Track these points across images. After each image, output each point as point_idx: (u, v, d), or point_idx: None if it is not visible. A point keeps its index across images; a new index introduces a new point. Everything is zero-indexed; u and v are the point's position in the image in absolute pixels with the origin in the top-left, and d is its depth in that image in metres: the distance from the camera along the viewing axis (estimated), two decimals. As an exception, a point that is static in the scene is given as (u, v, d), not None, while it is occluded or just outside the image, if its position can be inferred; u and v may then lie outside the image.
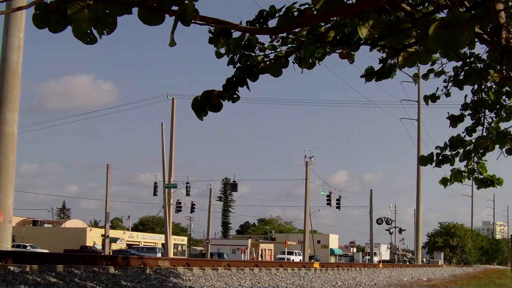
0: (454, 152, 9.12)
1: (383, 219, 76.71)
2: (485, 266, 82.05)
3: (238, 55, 6.26)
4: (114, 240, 71.02)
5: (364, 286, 19.77)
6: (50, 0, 3.72)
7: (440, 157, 9.09)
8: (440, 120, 9.59)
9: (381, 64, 6.65)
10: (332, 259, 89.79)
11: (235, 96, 6.17)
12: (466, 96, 9.13)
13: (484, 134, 8.85)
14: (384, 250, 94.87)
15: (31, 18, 3.77)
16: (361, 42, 5.91)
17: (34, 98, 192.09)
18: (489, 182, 9.08)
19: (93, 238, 73.40)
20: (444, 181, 9.58)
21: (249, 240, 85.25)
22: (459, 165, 9.33)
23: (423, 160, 9.18)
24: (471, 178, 9.39)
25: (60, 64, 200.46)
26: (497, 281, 28.39)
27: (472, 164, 9.20)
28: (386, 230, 79.45)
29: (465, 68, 8.07)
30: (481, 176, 9.18)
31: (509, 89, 8.85)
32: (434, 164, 9.09)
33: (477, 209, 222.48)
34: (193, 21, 4.06)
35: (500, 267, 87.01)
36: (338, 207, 59.41)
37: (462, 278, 32.79)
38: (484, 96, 8.77)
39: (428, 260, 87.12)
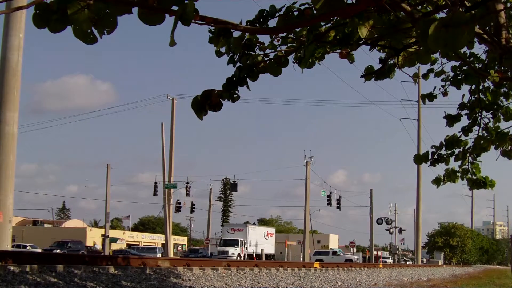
0: (449, 152, 9.12)
1: (383, 219, 76.72)
2: (485, 266, 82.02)
3: (238, 55, 6.26)
4: (114, 240, 71.08)
5: (364, 286, 19.76)
6: (50, 0, 3.72)
7: (436, 156, 9.09)
8: (441, 120, 9.58)
9: (381, 64, 6.65)
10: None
11: (235, 95, 6.18)
12: (463, 95, 9.14)
13: (481, 134, 8.85)
14: (260, 238, 59.36)
15: (31, 18, 3.77)
16: (361, 42, 5.91)
17: (32, 98, 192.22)
18: (481, 183, 9.07)
19: (93, 238, 73.48)
20: (437, 181, 9.57)
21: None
22: (454, 165, 9.33)
23: (418, 159, 9.19)
24: (464, 178, 9.38)
25: (58, 65, 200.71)
26: (497, 281, 28.37)
27: (467, 164, 9.20)
28: (386, 230, 79.51)
29: (464, 68, 8.08)
30: (474, 177, 9.17)
31: (507, 90, 8.85)
32: (429, 163, 9.09)
33: (476, 209, 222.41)
34: (193, 21, 4.06)
35: (500, 267, 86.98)
36: (338, 207, 59.46)
37: (462, 278, 32.76)
38: (481, 96, 8.77)
39: (428, 260, 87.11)
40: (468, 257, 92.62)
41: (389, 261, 71.99)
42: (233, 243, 53.96)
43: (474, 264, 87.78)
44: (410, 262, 72.71)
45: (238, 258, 49.49)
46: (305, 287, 16.52)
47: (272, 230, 65.74)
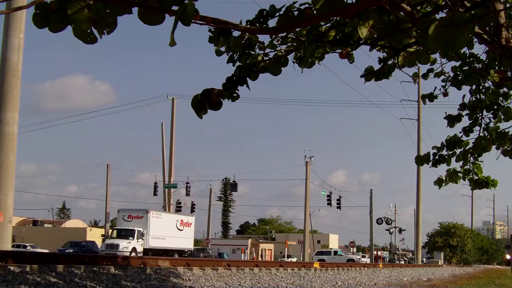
0: (450, 152, 9.11)
1: (383, 219, 76.73)
2: (485, 266, 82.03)
3: (238, 54, 6.26)
4: (114, 240, 70.95)
5: (364, 286, 19.76)
6: (50, 0, 3.72)
7: (437, 157, 9.08)
8: (441, 120, 9.59)
9: (381, 64, 6.65)
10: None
11: (235, 94, 6.17)
12: (464, 96, 9.14)
13: (482, 134, 8.84)
14: (169, 228, 45.57)
15: (31, 18, 3.77)
16: (361, 42, 5.91)
17: (31, 98, 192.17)
18: (484, 183, 9.05)
19: (93, 238, 73.42)
20: (439, 182, 9.55)
21: (249, 240, 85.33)
22: (455, 165, 9.32)
23: (420, 160, 9.18)
24: (466, 178, 9.36)
25: (58, 65, 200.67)
26: (497, 281, 28.37)
27: (468, 164, 9.19)
28: (386, 230, 79.53)
29: (464, 68, 8.08)
30: (476, 177, 9.15)
31: (506, 90, 8.85)
32: (430, 164, 9.08)
33: (476, 209, 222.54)
34: (193, 21, 4.06)
35: (500, 267, 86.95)
36: (338, 207, 59.50)
37: (462, 278, 32.78)
38: (482, 96, 8.77)
39: (427, 260, 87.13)
40: (468, 257, 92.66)
41: (364, 260, 70.20)
42: (128, 234, 40.59)
43: (474, 264, 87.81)
44: (402, 262, 72.71)
45: (134, 254, 37.45)
46: (305, 287, 16.51)
47: (190, 219, 48.90)
